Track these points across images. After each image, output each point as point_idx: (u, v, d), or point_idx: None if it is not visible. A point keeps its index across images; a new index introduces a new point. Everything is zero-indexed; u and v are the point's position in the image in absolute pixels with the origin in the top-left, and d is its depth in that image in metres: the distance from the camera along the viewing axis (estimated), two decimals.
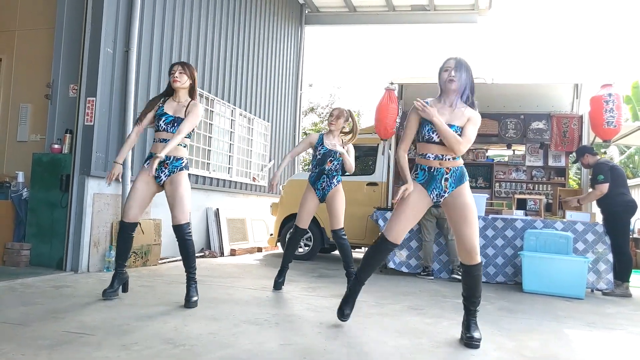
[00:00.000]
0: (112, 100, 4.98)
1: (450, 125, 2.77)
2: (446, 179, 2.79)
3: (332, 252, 8.41)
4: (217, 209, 7.06)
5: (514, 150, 7.63)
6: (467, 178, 2.85)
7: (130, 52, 5.11)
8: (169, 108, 3.52)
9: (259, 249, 7.90)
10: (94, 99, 4.77)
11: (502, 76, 6.78)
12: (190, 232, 3.47)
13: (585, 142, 6.49)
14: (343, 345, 2.66)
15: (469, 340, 2.74)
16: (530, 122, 6.90)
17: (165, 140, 3.43)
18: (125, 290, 3.69)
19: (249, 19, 8.05)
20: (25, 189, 4.92)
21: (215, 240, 6.95)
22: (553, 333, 3.25)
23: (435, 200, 2.83)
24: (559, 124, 6.73)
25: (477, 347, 2.71)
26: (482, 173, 7.56)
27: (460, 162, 2.85)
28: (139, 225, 3.68)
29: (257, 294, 4.05)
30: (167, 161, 3.45)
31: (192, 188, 6.51)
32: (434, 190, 2.81)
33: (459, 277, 5.50)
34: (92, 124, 4.77)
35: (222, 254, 6.89)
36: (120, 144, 5.06)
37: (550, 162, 7.14)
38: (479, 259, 2.80)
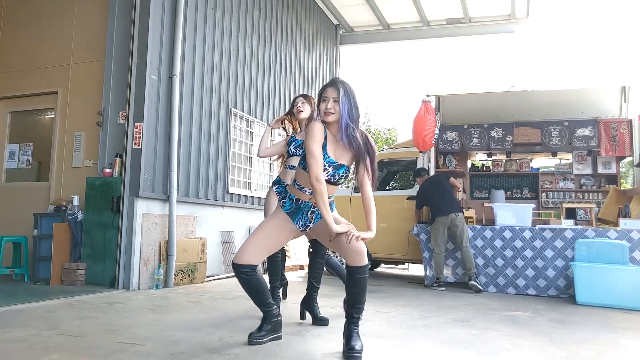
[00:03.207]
0: (158, 124, 5.24)
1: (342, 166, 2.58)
2: (313, 212, 2.64)
3: (375, 269, 8.34)
4: None
5: (560, 159, 7.37)
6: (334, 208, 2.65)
7: (174, 78, 5.37)
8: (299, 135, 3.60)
9: (301, 267, 7.94)
10: (141, 124, 5.03)
11: (544, 83, 6.63)
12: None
13: (637, 146, 6.21)
14: (387, 353, 2.63)
15: (349, 352, 2.50)
16: (575, 128, 6.66)
17: (293, 167, 3.47)
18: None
19: (286, 43, 8.28)
20: (80, 212, 5.21)
21: None
22: (610, 344, 3.09)
23: (301, 229, 2.68)
24: (607, 129, 6.47)
25: (359, 359, 2.48)
26: (527, 183, 7.35)
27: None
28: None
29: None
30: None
31: (234, 207, 6.72)
32: (300, 220, 2.66)
33: (478, 285, 5.37)
34: (139, 147, 5.01)
35: (265, 272, 6.97)
36: (166, 165, 5.29)
37: (600, 170, 6.86)
38: (365, 260, 2.56)
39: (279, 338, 2.83)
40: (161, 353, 2.48)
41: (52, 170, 5.71)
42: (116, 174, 5.09)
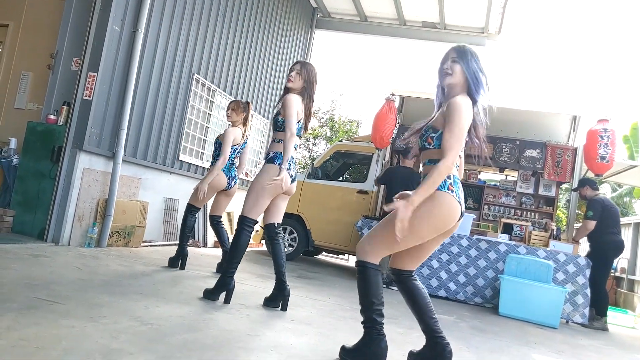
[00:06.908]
0: (114, 78, 4.99)
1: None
2: None
3: (316, 256, 8.42)
4: None
5: (506, 175, 7.69)
6: None
7: (138, 32, 5.12)
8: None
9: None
10: (96, 74, 4.78)
11: (502, 100, 6.83)
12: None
13: (577, 174, 6.56)
14: (310, 342, 2.67)
15: None
16: (525, 149, 6.96)
17: (280, 140, 3.26)
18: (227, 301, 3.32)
19: (260, 16, 8.08)
20: (16, 156, 4.91)
21: (200, 230, 6.94)
22: (520, 356, 3.27)
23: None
24: (553, 153, 6.79)
25: None
26: (472, 194, 7.61)
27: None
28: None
29: None
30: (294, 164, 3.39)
31: (182, 175, 6.56)
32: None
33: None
34: (90, 99, 4.77)
35: (205, 245, 6.89)
36: (116, 121, 5.06)
37: (541, 191, 7.21)
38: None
39: None
40: (80, 315, 2.39)
41: None
42: (61, 123, 4.81)
